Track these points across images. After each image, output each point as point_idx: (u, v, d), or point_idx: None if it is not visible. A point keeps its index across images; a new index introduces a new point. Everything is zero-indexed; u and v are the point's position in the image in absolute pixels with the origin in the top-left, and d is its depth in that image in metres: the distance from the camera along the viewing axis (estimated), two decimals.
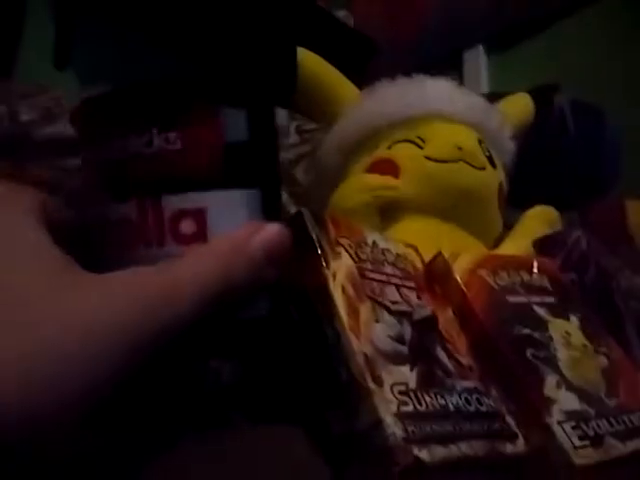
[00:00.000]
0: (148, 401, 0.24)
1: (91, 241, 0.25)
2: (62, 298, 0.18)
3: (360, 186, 0.41)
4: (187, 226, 0.24)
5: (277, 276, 0.24)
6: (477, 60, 1.20)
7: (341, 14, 0.93)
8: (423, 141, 0.42)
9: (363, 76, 0.50)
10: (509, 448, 0.26)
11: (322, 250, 0.27)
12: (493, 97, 0.51)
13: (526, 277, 0.36)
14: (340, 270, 0.27)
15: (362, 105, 0.44)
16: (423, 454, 0.22)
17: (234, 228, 0.24)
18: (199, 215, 0.24)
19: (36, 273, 0.19)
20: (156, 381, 0.23)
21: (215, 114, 0.25)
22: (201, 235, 0.24)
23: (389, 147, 0.42)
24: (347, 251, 0.29)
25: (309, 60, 0.43)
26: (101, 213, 0.25)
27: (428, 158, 0.41)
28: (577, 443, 0.26)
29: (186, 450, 0.22)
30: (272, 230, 0.23)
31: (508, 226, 0.47)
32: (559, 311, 0.34)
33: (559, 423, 0.27)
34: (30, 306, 0.18)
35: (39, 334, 0.17)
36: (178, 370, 0.25)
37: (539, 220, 0.45)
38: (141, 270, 0.21)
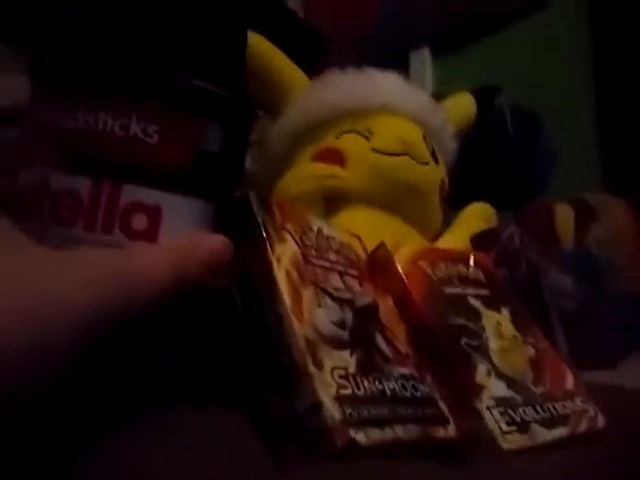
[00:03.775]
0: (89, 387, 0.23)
1: (23, 208, 0.24)
2: (12, 269, 0.17)
3: (306, 174, 0.41)
4: (139, 221, 0.23)
5: (213, 284, 0.25)
6: (423, 61, 1.22)
7: (291, 3, 0.92)
8: (370, 133, 0.42)
9: (313, 68, 0.50)
10: (441, 432, 0.27)
11: (267, 234, 0.27)
12: (437, 97, 0.52)
13: (463, 270, 0.37)
14: (285, 255, 0.27)
15: (311, 93, 0.44)
16: (359, 436, 0.22)
17: (183, 234, 0.24)
18: (155, 213, 0.24)
19: None
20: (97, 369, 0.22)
21: (196, 120, 0.25)
22: (151, 234, 0.24)
23: (337, 137, 0.42)
24: (292, 236, 0.29)
25: (260, 44, 0.43)
26: (39, 179, 0.23)
27: (375, 150, 0.41)
28: (505, 428, 0.27)
29: (125, 433, 0.21)
30: (219, 240, 0.24)
31: (447, 225, 0.48)
32: (492, 303, 0.35)
33: (488, 409, 0.28)
34: None
35: None
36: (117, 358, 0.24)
37: (477, 216, 0.47)
38: (99, 252, 0.20)
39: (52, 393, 0.18)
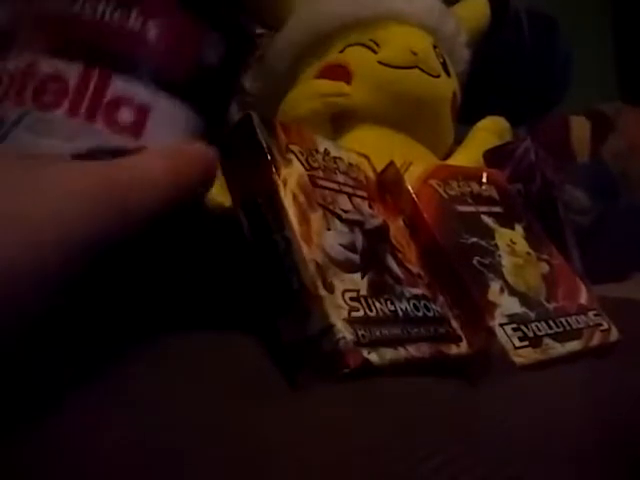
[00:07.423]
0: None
1: (4, 90, 0.23)
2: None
3: (310, 92, 0.39)
4: (125, 115, 0.23)
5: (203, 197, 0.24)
6: None
7: None
8: (377, 45, 0.40)
9: None
10: (454, 350, 0.27)
11: (272, 156, 0.26)
12: (448, 3, 0.49)
13: (475, 187, 0.36)
14: (291, 177, 0.26)
15: (313, 5, 0.41)
16: (372, 356, 0.23)
17: (168, 139, 0.24)
18: (142, 110, 0.23)
19: None
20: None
21: (199, 27, 0.24)
22: (136, 130, 0.23)
23: (341, 51, 0.40)
24: (298, 158, 0.28)
25: None
26: (26, 63, 0.23)
27: (382, 63, 0.39)
28: (517, 344, 0.27)
29: (134, 357, 0.21)
30: (206, 149, 0.24)
31: (459, 142, 0.47)
32: (505, 220, 0.35)
33: (501, 325, 0.28)
34: None
35: None
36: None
37: (490, 131, 0.45)
38: (86, 166, 0.19)
39: (46, 319, 0.18)
